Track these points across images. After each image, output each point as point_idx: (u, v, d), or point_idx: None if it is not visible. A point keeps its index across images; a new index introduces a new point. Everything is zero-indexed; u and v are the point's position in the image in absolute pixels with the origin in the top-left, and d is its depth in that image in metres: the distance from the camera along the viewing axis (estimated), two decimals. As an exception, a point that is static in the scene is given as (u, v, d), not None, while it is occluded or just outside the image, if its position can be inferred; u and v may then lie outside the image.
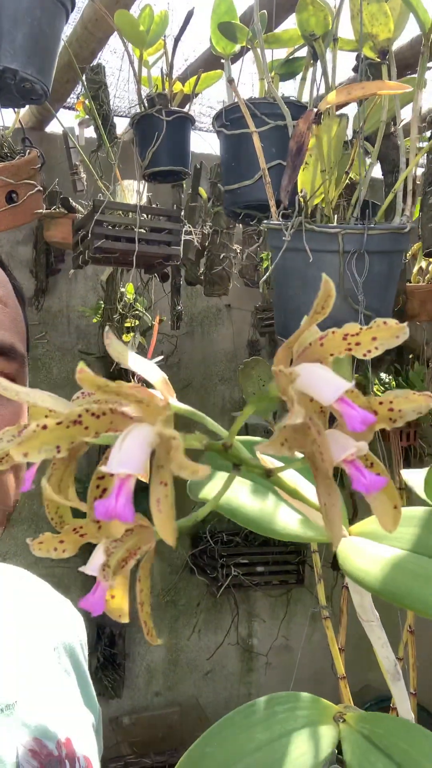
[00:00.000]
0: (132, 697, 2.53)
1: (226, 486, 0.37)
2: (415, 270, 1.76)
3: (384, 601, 0.38)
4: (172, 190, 2.22)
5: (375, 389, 1.81)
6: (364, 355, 0.33)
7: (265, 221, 0.93)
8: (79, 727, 0.60)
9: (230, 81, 0.91)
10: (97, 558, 0.33)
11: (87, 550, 0.34)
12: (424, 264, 1.80)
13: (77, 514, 0.35)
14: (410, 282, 1.76)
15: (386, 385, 1.85)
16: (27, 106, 1.82)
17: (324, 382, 0.31)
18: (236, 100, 0.98)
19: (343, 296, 1.02)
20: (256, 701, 0.45)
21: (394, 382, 1.78)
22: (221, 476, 0.47)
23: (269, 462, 0.38)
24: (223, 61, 1.07)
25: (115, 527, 0.32)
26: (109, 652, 2.40)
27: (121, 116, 2.18)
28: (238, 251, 1.90)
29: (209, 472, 0.30)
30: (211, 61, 1.86)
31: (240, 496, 0.45)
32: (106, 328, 0.29)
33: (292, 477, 0.42)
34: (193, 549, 2.55)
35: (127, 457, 0.28)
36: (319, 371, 0.31)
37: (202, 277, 2.00)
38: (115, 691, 2.42)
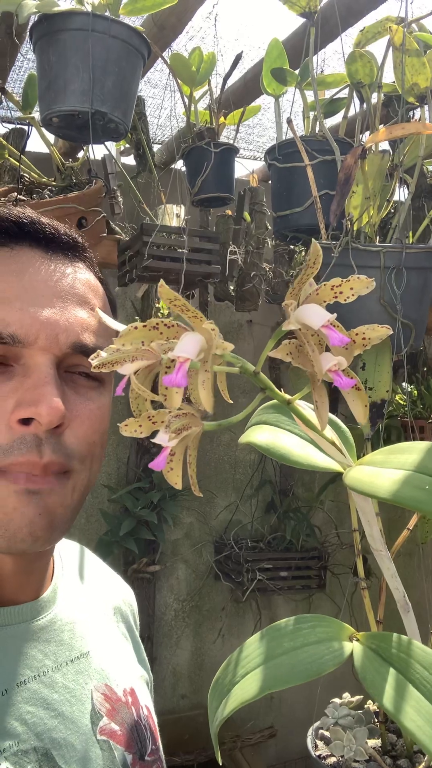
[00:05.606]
0: (159, 699, 2.61)
1: (257, 402, 0.53)
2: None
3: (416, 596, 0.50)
4: (200, 212, 2.35)
5: (398, 398, 1.93)
6: (345, 300, 0.49)
7: (316, 241, 1.05)
8: (139, 682, 0.68)
9: (289, 122, 1.03)
10: (161, 434, 0.48)
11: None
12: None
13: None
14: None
15: (407, 393, 1.97)
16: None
17: (315, 313, 0.46)
18: (290, 136, 1.10)
19: (384, 306, 1.14)
20: (285, 620, 0.57)
21: (416, 391, 1.89)
22: (256, 427, 0.60)
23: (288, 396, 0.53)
24: (273, 98, 1.19)
25: (175, 398, 0.47)
26: (138, 654, 2.48)
27: (155, 143, 2.32)
28: (268, 269, 2.01)
29: (233, 347, 0.45)
30: (240, 93, 2.00)
31: (273, 437, 0.58)
32: (161, 281, 0.45)
33: (308, 412, 0.55)
34: (217, 555, 2.65)
35: (185, 347, 0.44)
36: (314, 307, 0.47)
37: (233, 294, 2.12)
38: (144, 692, 2.49)
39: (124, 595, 0.77)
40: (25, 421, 0.52)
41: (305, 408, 0.54)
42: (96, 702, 0.60)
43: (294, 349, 0.48)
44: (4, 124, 1.55)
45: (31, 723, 0.53)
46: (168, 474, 0.50)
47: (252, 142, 2.45)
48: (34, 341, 0.53)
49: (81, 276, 0.58)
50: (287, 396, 0.51)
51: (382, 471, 0.50)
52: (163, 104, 2.08)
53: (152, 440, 0.48)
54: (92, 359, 0.47)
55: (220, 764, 0.55)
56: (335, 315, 0.46)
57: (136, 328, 0.46)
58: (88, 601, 0.68)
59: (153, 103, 2.23)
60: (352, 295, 0.48)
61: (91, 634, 0.64)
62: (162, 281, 0.45)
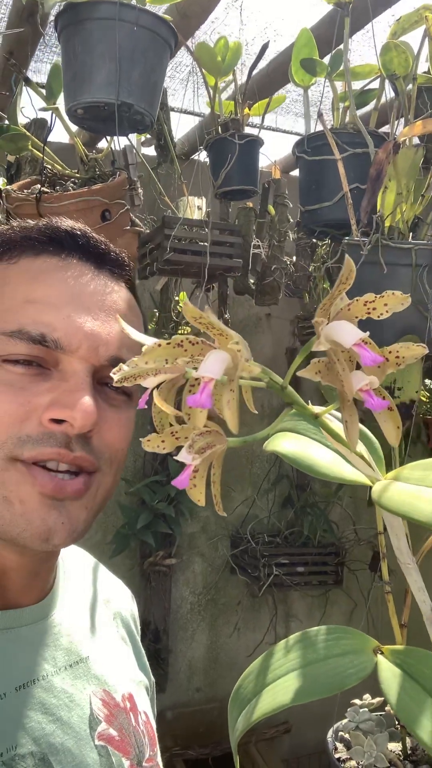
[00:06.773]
0: (174, 692, 2.61)
1: (283, 417, 0.50)
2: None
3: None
4: (220, 204, 2.33)
5: (421, 395, 1.90)
6: (379, 316, 0.46)
7: (347, 238, 1.03)
8: (138, 687, 0.68)
9: (319, 116, 1.01)
10: (184, 452, 0.46)
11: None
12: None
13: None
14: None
15: (430, 391, 1.94)
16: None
17: (347, 331, 0.44)
18: (320, 129, 1.08)
19: (414, 305, 1.11)
20: (308, 630, 0.56)
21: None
22: (281, 435, 0.58)
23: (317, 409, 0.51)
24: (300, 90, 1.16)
25: (199, 418, 0.46)
26: (153, 647, 2.48)
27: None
28: (289, 263, 1.99)
29: (260, 369, 0.44)
30: (263, 82, 1.96)
31: (299, 447, 0.56)
32: (185, 299, 0.44)
33: (336, 425, 0.53)
34: (234, 549, 2.64)
35: (210, 367, 0.42)
36: (345, 324, 0.44)
37: (254, 287, 2.10)
38: (159, 685, 2.50)
39: (125, 600, 0.77)
40: (57, 422, 0.53)
41: (333, 421, 0.53)
42: (94, 707, 0.60)
43: (323, 367, 0.46)
44: (24, 114, 1.53)
45: (29, 727, 0.53)
46: (191, 491, 0.49)
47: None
48: (76, 350, 0.55)
49: (124, 295, 0.62)
50: (315, 410, 0.49)
51: (422, 491, 0.48)
52: (186, 92, 2.05)
53: (175, 458, 0.47)
54: (114, 373, 0.46)
55: (237, 766, 0.54)
56: (368, 333, 0.44)
57: (159, 345, 0.45)
58: (88, 606, 0.69)
59: (170, 86, 2.20)
60: (386, 311, 0.46)
61: (90, 638, 0.65)
62: (186, 300, 0.44)
